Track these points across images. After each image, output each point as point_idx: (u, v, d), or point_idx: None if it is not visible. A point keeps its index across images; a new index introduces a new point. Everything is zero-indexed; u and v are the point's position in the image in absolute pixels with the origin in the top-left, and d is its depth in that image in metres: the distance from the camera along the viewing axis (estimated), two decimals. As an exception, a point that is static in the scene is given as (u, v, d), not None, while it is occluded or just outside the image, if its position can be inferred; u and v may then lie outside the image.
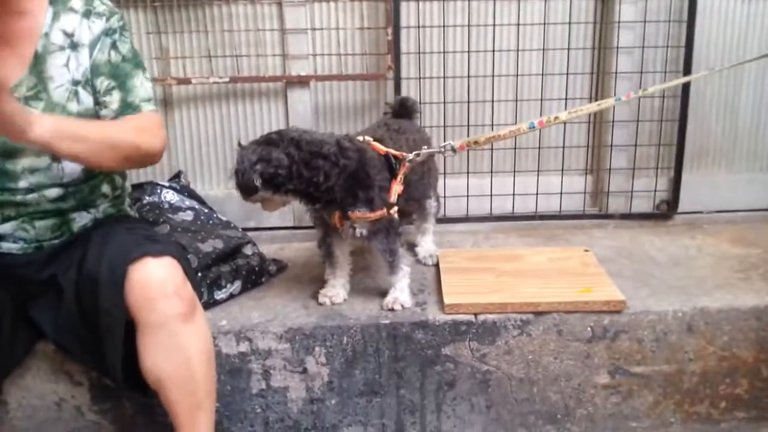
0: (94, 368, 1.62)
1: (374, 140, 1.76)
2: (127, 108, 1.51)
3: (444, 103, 2.33)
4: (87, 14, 1.50)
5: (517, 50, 2.31)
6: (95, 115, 1.52)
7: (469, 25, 2.28)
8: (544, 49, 2.31)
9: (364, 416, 1.78)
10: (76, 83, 1.48)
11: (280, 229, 2.39)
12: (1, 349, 1.52)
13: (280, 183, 1.59)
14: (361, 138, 1.75)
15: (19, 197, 1.45)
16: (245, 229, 2.13)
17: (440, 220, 2.26)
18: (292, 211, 2.38)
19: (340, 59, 2.29)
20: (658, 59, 2.32)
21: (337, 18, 2.27)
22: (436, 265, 2.03)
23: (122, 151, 1.43)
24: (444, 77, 2.32)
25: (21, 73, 1.43)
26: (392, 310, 1.77)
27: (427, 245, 2.10)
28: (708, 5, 2.31)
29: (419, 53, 2.30)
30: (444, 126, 2.35)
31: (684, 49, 2.27)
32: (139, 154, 1.46)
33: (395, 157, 1.76)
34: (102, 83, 1.50)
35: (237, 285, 1.91)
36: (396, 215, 1.75)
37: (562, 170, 2.39)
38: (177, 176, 2.22)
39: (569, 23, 2.29)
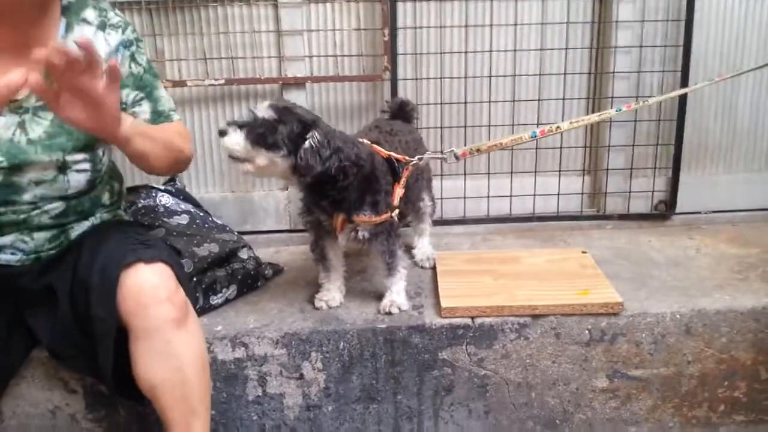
0: (89, 375, 1.61)
1: (371, 143, 1.75)
2: (159, 116, 1.56)
3: (441, 104, 2.32)
4: (102, 26, 1.48)
5: (515, 50, 2.29)
6: None
7: (466, 26, 2.26)
8: (541, 49, 2.30)
9: (361, 423, 1.77)
10: None
11: (276, 232, 2.38)
12: (0, 360, 1.52)
13: (314, 156, 1.56)
14: (365, 141, 1.75)
15: (22, 215, 1.44)
16: (241, 233, 2.12)
17: (437, 222, 2.25)
18: (288, 214, 2.37)
19: (336, 60, 2.28)
20: (656, 59, 2.31)
21: (333, 19, 2.25)
22: (433, 268, 2.02)
23: (173, 153, 1.51)
24: (441, 78, 2.30)
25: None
26: (389, 313, 1.76)
27: (424, 248, 2.09)
28: (706, 4, 2.30)
29: (416, 54, 2.28)
30: (441, 127, 2.33)
31: (682, 49, 2.26)
32: (181, 158, 1.54)
33: (398, 160, 1.76)
34: (128, 95, 1.51)
35: (233, 289, 1.90)
36: (396, 218, 1.75)
37: (560, 171, 2.38)
38: (172, 179, 2.21)
39: (567, 23, 2.28)
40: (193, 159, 1.63)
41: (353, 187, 1.65)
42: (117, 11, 1.53)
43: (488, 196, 2.38)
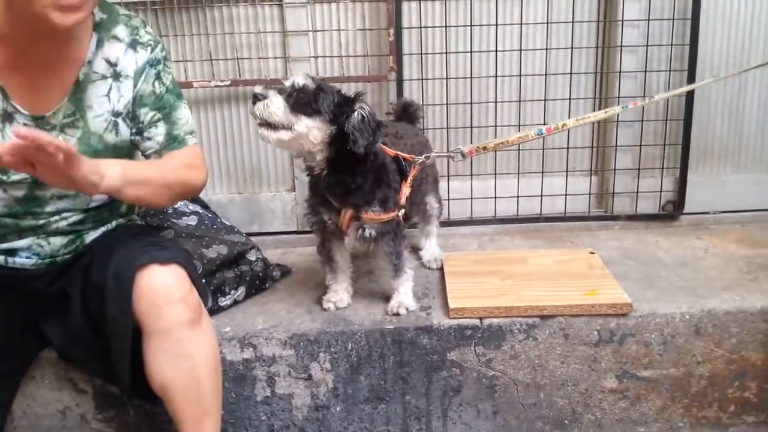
0: (100, 376, 1.62)
1: None
2: (173, 141, 1.51)
3: (447, 104, 2.32)
4: (133, 44, 1.46)
5: (520, 50, 2.29)
6: (131, 146, 1.51)
7: (471, 25, 2.26)
8: (547, 49, 2.29)
9: (369, 423, 1.76)
10: (116, 114, 1.46)
11: (284, 233, 2.38)
12: (12, 362, 1.52)
13: (366, 127, 1.56)
14: None
15: (42, 221, 1.45)
16: (248, 234, 2.12)
17: (444, 223, 2.25)
18: (295, 216, 2.37)
19: (341, 61, 2.28)
20: (663, 57, 2.30)
21: (339, 19, 2.25)
22: (441, 269, 2.02)
23: (175, 190, 1.47)
24: (447, 78, 2.30)
25: (60, 100, 1.41)
26: (397, 314, 1.76)
27: (431, 249, 2.09)
28: (712, 3, 2.29)
29: (421, 54, 2.28)
30: (447, 128, 2.33)
31: (688, 47, 2.25)
32: (186, 191, 1.51)
33: (404, 159, 1.75)
34: (146, 114, 1.49)
35: (241, 291, 1.90)
36: (402, 218, 1.75)
37: (567, 171, 2.37)
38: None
39: (572, 22, 2.27)
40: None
41: (369, 177, 1.65)
42: (149, 29, 1.51)
43: (495, 197, 2.38)
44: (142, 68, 1.47)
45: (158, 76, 1.49)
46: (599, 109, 2.35)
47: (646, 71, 2.29)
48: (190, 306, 1.37)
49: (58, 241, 1.49)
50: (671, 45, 2.28)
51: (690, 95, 2.27)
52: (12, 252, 1.47)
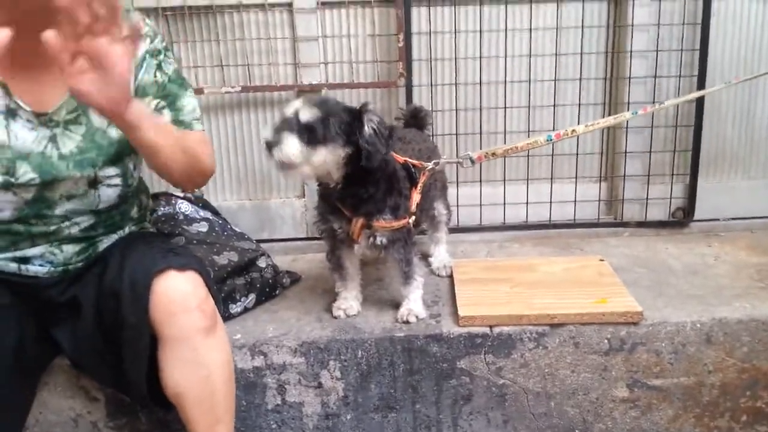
0: (111, 385, 1.62)
1: None
2: (180, 125, 1.51)
3: (456, 110, 2.32)
4: None
5: (529, 55, 2.29)
6: None
7: (480, 31, 2.26)
8: (556, 54, 2.29)
9: (379, 431, 1.77)
10: None
11: (293, 240, 2.39)
12: (28, 370, 1.53)
13: (379, 138, 1.56)
14: None
15: (52, 227, 1.45)
16: (258, 241, 2.12)
17: (453, 230, 2.25)
18: (305, 222, 2.38)
19: (351, 67, 2.28)
20: (673, 63, 2.29)
21: (348, 25, 2.26)
22: (450, 276, 2.02)
23: (190, 159, 1.44)
24: (456, 84, 2.30)
25: (62, 97, 1.40)
26: (407, 322, 1.76)
27: (440, 256, 2.09)
28: (722, 8, 2.28)
29: (431, 60, 2.28)
30: (456, 133, 2.33)
31: (698, 53, 2.24)
32: (198, 167, 1.48)
33: (414, 166, 1.76)
34: (150, 104, 1.48)
35: (251, 298, 1.90)
36: (412, 225, 1.75)
37: (576, 178, 2.37)
38: (190, 187, 2.22)
39: (582, 27, 2.27)
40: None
41: (380, 186, 1.65)
42: (147, 21, 1.51)
43: (504, 204, 2.37)
44: (142, 59, 1.47)
45: (159, 66, 1.50)
46: (609, 114, 2.34)
47: (656, 77, 2.28)
48: (206, 313, 1.37)
49: (70, 249, 1.50)
50: (681, 50, 2.27)
51: (700, 101, 2.26)
52: (25, 260, 1.48)
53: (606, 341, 1.72)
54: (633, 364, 1.73)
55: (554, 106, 2.32)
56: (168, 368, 1.38)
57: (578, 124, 2.28)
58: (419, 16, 2.24)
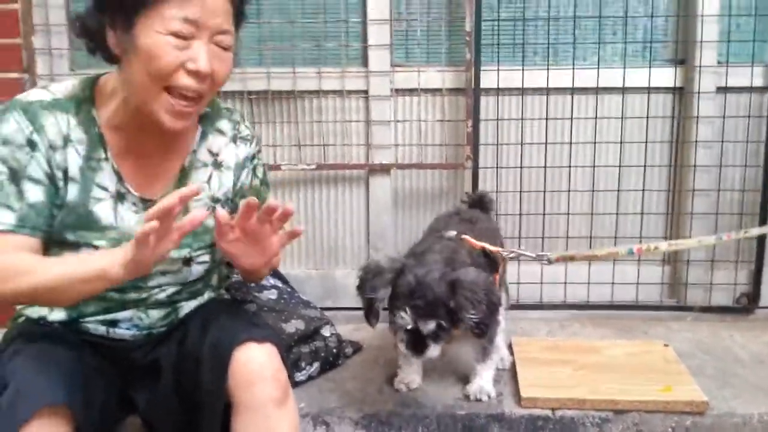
0: None
1: (460, 234, 1.80)
2: None
3: (520, 191, 2.39)
4: (234, 139, 1.59)
5: (594, 143, 2.36)
6: None
7: (546, 119, 2.35)
8: (621, 143, 2.36)
9: None
10: (215, 200, 1.57)
11: (356, 309, 2.44)
12: (107, 430, 1.61)
13: (484, 314, 1.58)
14: (453, 233, 1.79)
15: (144, 294, 1.57)
16: (322, 309, 2.20)
17: (514, 306, 2.27)
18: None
19: (420, 149, 2.40)
20: (738, 154, 2.33)
21: (419, 111, 2.39)
22: (510, 350, 2.03)
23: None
24: (521, 167, 2.38)
25: (167, 186, 1.52)
26: (479, 400, 1.78)
27: (498, 347, 2.00)
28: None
29: (497, 144, 2.38)
30: (520, 214, 2.40)
31: (764, 145, 2.27)
32: (270, 267, 1.58)
33: (492, 252, 1.80)
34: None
35: (316, 366, 1.96)
36: None
37: (639, 260, 2.38)
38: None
39: (647, 117, 2.34)
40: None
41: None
42: (247, 123, 1.64)
43: (565, 282, 2.40)
44: (243, 163, 1.60)
45: (254, 170, 1.63)
46: (673, 199, 2.39)
47: (720, 166, 2.32)
48: (280, 384, 1.44)
49: (156, 314, 1.60)
50: (747, 142, 2.31)
51: (765, 191, 2.27)
52: (114, 323, 1.58)
53: (670, 430, 1.70)
54: (698, 456, 1.70)
55: (618, 191, 2.37)
56: None
57: (642, 208, 2.33)
58: (487, 103, 2.36)
